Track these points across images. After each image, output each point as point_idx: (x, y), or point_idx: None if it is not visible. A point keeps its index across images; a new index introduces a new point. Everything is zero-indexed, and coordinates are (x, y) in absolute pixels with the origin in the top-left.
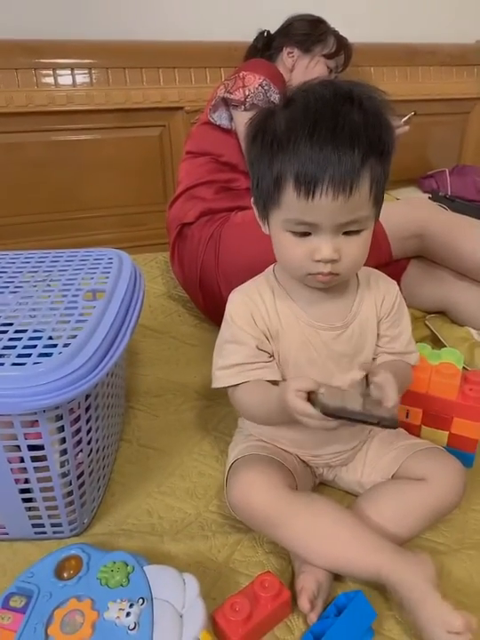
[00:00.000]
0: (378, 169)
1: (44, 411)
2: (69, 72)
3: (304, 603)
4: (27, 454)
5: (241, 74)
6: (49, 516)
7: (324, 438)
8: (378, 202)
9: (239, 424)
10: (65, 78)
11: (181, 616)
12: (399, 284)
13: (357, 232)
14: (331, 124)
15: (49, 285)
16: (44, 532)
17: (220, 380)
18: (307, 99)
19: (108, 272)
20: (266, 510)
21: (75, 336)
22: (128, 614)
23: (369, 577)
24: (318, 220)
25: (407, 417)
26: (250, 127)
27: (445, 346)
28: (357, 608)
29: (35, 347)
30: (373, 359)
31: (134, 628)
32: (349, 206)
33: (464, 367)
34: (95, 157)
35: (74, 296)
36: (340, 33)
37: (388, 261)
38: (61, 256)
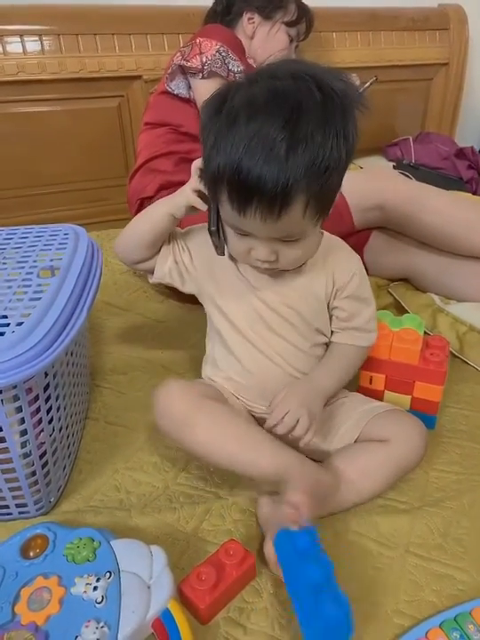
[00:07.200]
0: (315, 188)
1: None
2: (19, 39)
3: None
4: None
5: (197, 40)
6: (13, 497)
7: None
8: (318, 214)
9: None
10: (14, 46)
11: (149, 587)
12: (362, 255)
13: (296, 241)
14: (268, 144)
15: (4, 263)
16: (10, 513)
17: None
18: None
19: (64, 248)
20: (182, 413)
21: (28, 314)
22: (95, 588)
23: (267, 478)
24: (252, 232)
25: (371, 383)
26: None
27: (408, 313)
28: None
29: None
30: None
31: (102, 601)
32: (280, 226)
33: (425, 332)
34: (51, 130)
35: (28, 273)
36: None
37: (351, 232)
38: (15, 233)
